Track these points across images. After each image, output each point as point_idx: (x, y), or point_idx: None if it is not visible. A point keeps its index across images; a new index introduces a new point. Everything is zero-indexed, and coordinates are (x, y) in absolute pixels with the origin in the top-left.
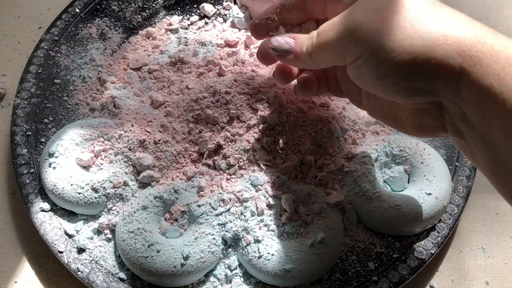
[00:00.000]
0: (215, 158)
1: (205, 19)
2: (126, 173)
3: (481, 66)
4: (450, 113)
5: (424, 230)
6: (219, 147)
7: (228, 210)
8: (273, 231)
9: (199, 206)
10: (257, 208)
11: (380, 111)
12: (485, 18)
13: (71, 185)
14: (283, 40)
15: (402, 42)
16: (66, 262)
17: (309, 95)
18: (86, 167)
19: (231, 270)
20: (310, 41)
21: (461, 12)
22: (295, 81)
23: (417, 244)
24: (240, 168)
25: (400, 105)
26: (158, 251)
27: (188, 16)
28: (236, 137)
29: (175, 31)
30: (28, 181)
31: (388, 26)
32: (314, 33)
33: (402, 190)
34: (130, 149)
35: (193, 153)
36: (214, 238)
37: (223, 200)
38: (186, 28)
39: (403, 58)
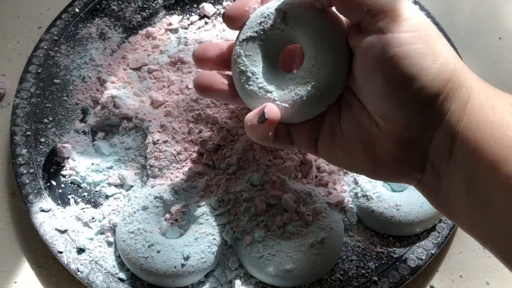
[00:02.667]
0: (215, 158)
1: (205, 19)
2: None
3: (475, 110)
4: (437, 148)
5: (424, 230)
6: (219, 147)
7: (228, 210)
8: (273, 231)
9: (199, 206)
10: (257, 208)
11: (350, 146)
12: (485, 18)
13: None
14: None
15: (434, 55)
16: (66, 262)
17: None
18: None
19: (232, 271)
20: None
21: (461, 12)
22: None
23: (417, 244)
24: (240, 168)
25: (382, 135)
26: (158, 252)
27: (188, 16)
28: (236, 137)
29: (175, 31)
30: (27, 181)
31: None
32: None
33: (402, 190)
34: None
35: (193, 153)
36: (214, 239)
37: (223, 200)
38: (186, 28)
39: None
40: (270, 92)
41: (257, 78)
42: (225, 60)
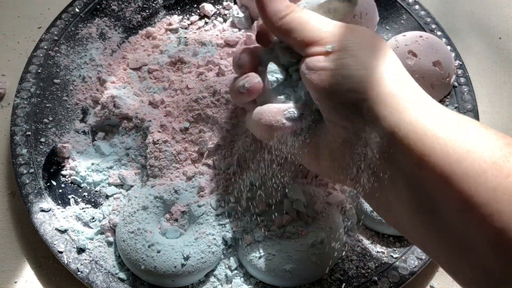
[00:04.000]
0: (215, 158)
1: (205, 19)
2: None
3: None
4: (376, 152)
5: None
6: (219, 147)
7: (229, 210)
8: (273, 231)
9: (199, 206)
10: (257, 208)
11: (303, 146)
12: (485, 18)
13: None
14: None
15: (363, 64)
16: (66, 262)
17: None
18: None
19: (232, 270)
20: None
21: (461, 12)
22: None
23: None
24: (240, 168)
25: (326, 138)
26: (158, 251)
27: (188, 16)
28: (236, 137)
29: (175, 31)
30: (27, 181)
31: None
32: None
33: None
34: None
35: (193, 153)
36: (214, 238)
37: (223, 200)
38: (186, 28)
39: (361, 76)
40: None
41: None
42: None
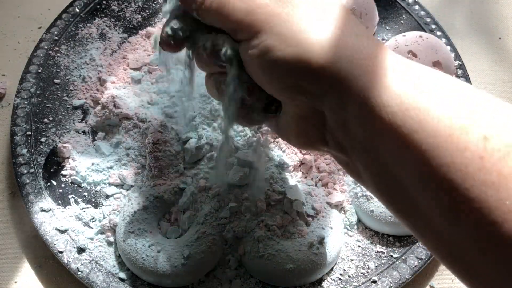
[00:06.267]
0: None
1: None
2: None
3: (367, 75)
4: (332, 123)
5: None
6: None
7: (229, 210)
8: (273, 231)
9: (199, 206)
10: (257, 208)
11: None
12: (485, 18)
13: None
14: None
15: (288, 41)
16: (66, 262)
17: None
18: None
19: (231, 270)
20: None
21: (461, 12)
22: None
23: (417, 244)
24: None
25: (285, 111)
26: (158, 251)
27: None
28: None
29: None
30: (28, 181)
31: (280, 21)
32: None
33: None
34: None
35: None
36: (214, 238)
37: (223, 200)
38: None
39: (288, 55)
40: None
41: None
42: None
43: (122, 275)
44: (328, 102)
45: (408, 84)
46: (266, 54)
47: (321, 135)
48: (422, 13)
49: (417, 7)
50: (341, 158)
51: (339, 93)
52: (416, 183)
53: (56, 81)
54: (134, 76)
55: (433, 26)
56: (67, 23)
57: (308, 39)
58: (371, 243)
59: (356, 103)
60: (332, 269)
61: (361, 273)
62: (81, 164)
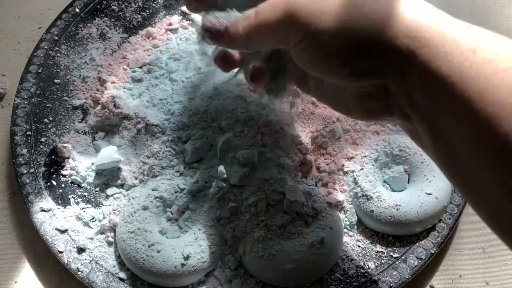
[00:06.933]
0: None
1: None
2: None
3: (429, 48)
4: (396, 96)
5: (424, 230)
6: None
7: (229, 210)
8: (273, 231)
9: (199, 206)
10: (257, 208)
11: (327, 95)
12: (485, 18)
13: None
14: (217, 20)
15: (346, 23)
16: (66, 262)
17: (260, 85)
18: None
19: (231, 270)
20: (247, 21)
21: (462, 12)
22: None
23: (417, 244)
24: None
25: (345, 88)
26: (158, 251)
27: (188, 16)
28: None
29: (175, 31)
30: (28, 181)
31: (331, 6)
32: (251, 12)
33: (402, 190)
34: None
35: None
36: (214, 239)
37: (223, 200)
38: (186, 28)
39: (347, 40)
40: None
41: None
42: None
43: (122, 275)
44: (392, 78)
45: (467, 55)
46: (326, 44)
47: (385, 106)
48: None
49: None
50: (406, 125)
51: (401, 69)
52: (474, 153)
53: (56, 81)
54: (134, 76)
55: None
56: (67, 23)
57: (366, 21)
58: (371, 243)
59: (420, 76)
60: (332, 269)
61: (361, 273)
62: (81, 164)
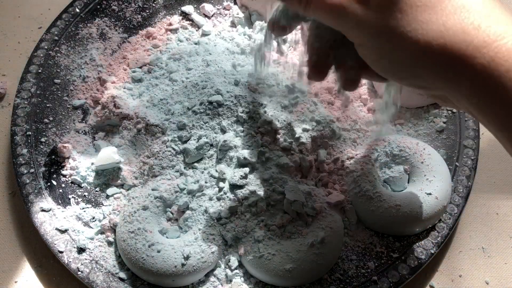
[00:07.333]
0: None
1: (206, 19)
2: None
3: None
4: (458, 100)
5: (424, 230)
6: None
7: (229, 210)
8: (273, 230)
9: (200, 206)
10: (257, 208)
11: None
12: None
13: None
14: None
15: (418, 31)
16: (66, 262)
17: (322, 78)
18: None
19: (232, 270)
20: None
21: None
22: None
23: (417, 244)
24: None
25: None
26: (158, 251)
27: (188, 16)
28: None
29: (175, 31)
30: (28, 181)
31: (404, 11)
32: None
33: (402, 190)
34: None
35: None
36: (214, 238)
37: (223, 200)
38: (186, 28)
39: (419, 45)
40: None
41: None
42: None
43: (122, 275)
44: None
45: None
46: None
47: (441, 94)
48: None
49: None
50: (454, 106)
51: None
52: None
53: (56, 81)
54: (134, 76)
55: None
56: (67, 23)
57: (440, 27)
58: (371, 243)
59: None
60: (332, 269)
61: (361, 273)
62: (81, 164)
